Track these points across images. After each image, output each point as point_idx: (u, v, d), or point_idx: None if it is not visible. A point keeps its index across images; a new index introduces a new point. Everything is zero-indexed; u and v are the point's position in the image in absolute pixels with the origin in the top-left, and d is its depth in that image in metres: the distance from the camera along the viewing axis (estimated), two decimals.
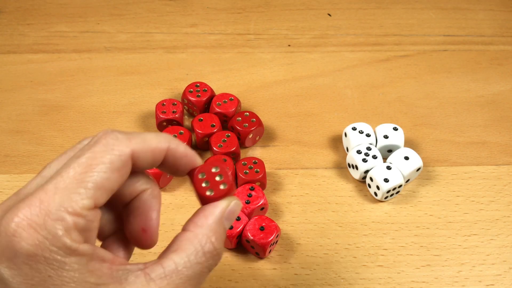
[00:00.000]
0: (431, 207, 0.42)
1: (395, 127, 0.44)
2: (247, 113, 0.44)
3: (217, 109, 0.45)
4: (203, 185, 0.27)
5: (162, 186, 0.42)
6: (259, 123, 0.44)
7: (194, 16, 0.57)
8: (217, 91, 0.48)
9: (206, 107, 0.47)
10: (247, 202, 0.39)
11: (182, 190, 0.42)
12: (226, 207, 0.27)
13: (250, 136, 0.44)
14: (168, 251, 0.26)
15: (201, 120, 0.44)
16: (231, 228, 0.37)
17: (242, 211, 0.39)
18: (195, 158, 0.28)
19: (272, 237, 0.37)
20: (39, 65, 0.51)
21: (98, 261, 0.24)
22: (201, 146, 0.44)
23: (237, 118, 0.44)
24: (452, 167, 0.44)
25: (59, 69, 0.51)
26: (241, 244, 0.39)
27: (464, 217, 0.41)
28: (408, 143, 0.46)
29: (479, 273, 0.38)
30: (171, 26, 0.55)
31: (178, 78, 0.50)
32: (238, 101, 0.46)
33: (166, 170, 0.28)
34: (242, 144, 0.44)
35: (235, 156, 0.43)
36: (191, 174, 0.27)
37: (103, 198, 0.24)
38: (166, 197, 0.42)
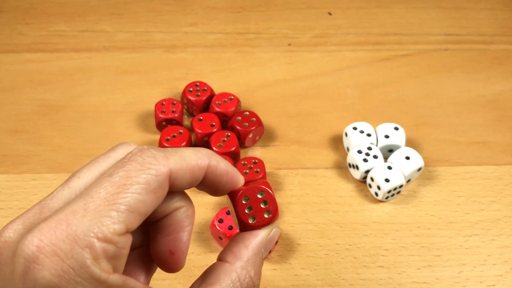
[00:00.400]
0: (432, 207, 0.42)
1: (396, 127, 0.44)
2: (247, 113, 0.44)
3: (216, 108, 0.45)
4: (246, 211, 0.25)
5: None
6: (259, 122, 0.44)
7: (194, 15, 0.56)
8: (217, 91, 0.48)
9: (206, 106, 0.46)
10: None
11: None
12: (266, 237, 0.25)
13: (250, 135, 0.44)
14: (205, 284, 0.24)
15: (201, 119, 0.44)
16: (231, 228, 0.37)
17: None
18: (237, 177, 0.25)
19: None
20: (38, 65, 0.51)
21: None
22: (200, 146, 0.44)
23: (237, 118, 0.44)
24: (453, 167, 0.44)
25: (58, 68, 0.51)
26: None
27: (465, 217, 0.41)
28: (409, 143, 0.45)
29: (480, 273, 0.38)
30: (170, 25, 0.55)
31: (177, 77, 0.50)
32: (238, 100, 0.46)
33: (204, 189, 0.26)
34: (242, 144, 0.44)
35: (235, 156, 0.43)
36: (233, 196, 0.25)
37: (136, 223, 0.22)
38: None
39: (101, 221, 0.21)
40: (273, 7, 0.58)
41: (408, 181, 0.43)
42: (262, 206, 0.25)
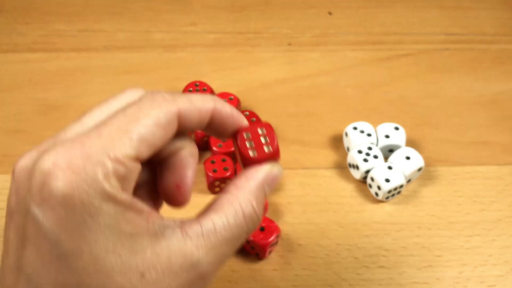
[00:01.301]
0: (432, 207, 0.42)
1: (396, 127, 0.44)
2: (247, 113, 0.44)
3: None
4: (247, 144, 0.26)
5: None
6: (259, 121, 0.44)
7: (194, 15, 0.56)
8: (216, 90, 0.48)
9: None
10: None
11: None
12: (269, 172, 0.26)
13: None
14: (207, 211, 0.25)
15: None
16: None
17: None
18: (242, 120, 0.27)
19: (272, 238, 0.37)
20: (37, 64, 0.51)
21: (136, 211, 0.23)
22: (200, 146, 0.44)
23: None
24: (454, 167, 0.44)
25: (57, 68, 0.51)
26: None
27: (466, 217, 0.41)
28: (410, 143, 0.45)
29: (481, 273, 0.38)
30: (170, 25, 0.55)
31: (177, 77, 0.50)
32: (238, 100, 0.45)
33: (212, 132, 0.27)
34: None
35: (235, 156, 0.43)
36: (235, 134, 0.26)
37: (146, 152, 0.24)
38: None
39: (114, 144, 0.22)
40: (273, 6, 0.58)
41: (409, 181, 0.43)
42: (262, 141, 0.26)
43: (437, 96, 0.49)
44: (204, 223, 0.24)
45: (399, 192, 0.42)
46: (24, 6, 0.57)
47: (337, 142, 0.46)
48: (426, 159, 0.44)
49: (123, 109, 0.24)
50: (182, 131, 0.26)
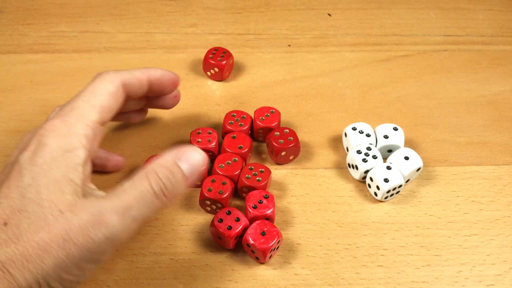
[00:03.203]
0: (431, 207, 0.42)
1: (395, 127, 0.44)
2: (287, 130, 0.43)
3: (260, 123, 0.44)
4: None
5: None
6: (296, 142, 0.43)
7: (194, 16, 0.57)
8: (217, 91, 0.48)
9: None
10: (254, 207, 0.38)
11: None
12: (180, 151, 0.33)
13: (283, 153, 0.43)
14: (126, 179, 0.33)
15: (234, 137, 0.43)
16: (230, 228, 0.37)
17: (246, 214, 0.38)
18: (173, 76, 0.40)
19: (273, 243, 0.37)
20: (39, 65, 0.51)
21: (87, 170, 0.34)
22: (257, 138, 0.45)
23: (275, 133, 0.43)
24: (452, 167, 0.44)
25: (59, 69, 0.51)
26: (240, 246, 0.39)
27: (464, 217, 0.41)
28: (408, 143, 0.46)
29: (479, 273, 0.38)
30: (171, 26, 0.55)
31: None
32: (279, 113, 0.45)
33: (156, 94, 0.40)
34: (274, 159, 0.44)
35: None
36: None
37: (106, 117, 0.35)
38: None
39: (84, 114, 0.34)
40: (273, 8, 0.58)
41: (407, 181, 0.43)
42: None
43: (436, 96, 0.50)
44: (118, 188, 0.32)
45: (398, 192, 0.42)
46: (25, 7, 0.57)
47: (337, 143, 0.46)
48: (424, 159, 0.44)
49: (84, 88, 0.35)
50: (131, 96, 0.38)
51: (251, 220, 0.38)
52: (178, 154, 0.33)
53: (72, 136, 0.33)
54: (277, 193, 0.42)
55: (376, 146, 0.44)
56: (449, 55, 0.53)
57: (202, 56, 0.50)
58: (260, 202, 0.39)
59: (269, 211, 0.38)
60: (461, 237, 0.40)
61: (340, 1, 0.59)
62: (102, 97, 0.35)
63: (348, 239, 0.40)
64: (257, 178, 0.40)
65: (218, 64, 0.48)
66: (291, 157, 0.44)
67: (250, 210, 0.38)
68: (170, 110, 0.46)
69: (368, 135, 0.43)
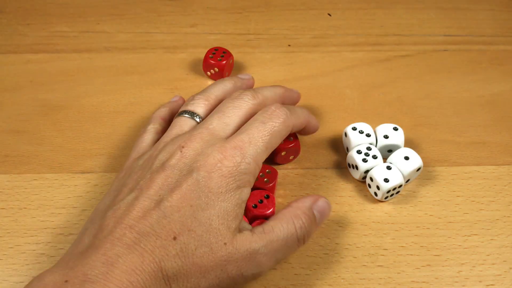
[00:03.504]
0: (431, 207, 0.42)
1: (395, 127, 0.44)
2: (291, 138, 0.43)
3: None
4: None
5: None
6: (296, 142, 0.43)
7: (194, 16, 0.57)
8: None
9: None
10: (254, 206, 0.38)
11: None
12: (316, 198, 0.37)
13: (283, 153, 0.43)
14: (270, 219, 0.35)
15: None
16: (255, 207, 0.38)
17: (246, 213, 0.38)
18: (317, 124, 0.43)
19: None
20: (39, 65, 0.51)
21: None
22: None
23: None
24: (452, 167, 0.44)
25: (59, 69, 0.51)
26: None
27: (464, 217, 0.41)
28: (408, 143, 0.46)
29: (479, 273, 0.38)
30: (171, 26, 0.55)
31: (178, 78, 0.50)
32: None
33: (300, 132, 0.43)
34: (273, 159, 0.43)
35: None
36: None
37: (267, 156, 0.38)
38: None
39: (258, 152, 0.36)
40: (273, 8, 0.58)
41: (407, 181, 0.43)
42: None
43: (436, 96, 0.50)
44: (266, 226, 0.35)
45: (398, 192, 0.42)
46: (25, 7, 0.57)
47: (337, 143, 0.46)
48: (424, 159, 0.44)
49: (262, 122, 0.37)
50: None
51: (251, 220, 0.38)
52: (313, 201, 0.37)
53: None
54: (277, 193, 0.42)
55: (376, 146, 0.44)
56: (449, 55, 0.53)
57: (202, 56, 0.50)
58: (261, 202, 0.39)
59: (268, 211, 0.38)
60: (461, 237, 0.40)
61: (340, 1, 0.59)
62: (277, 141, 0.38)
63: (348, 239, 0.40)
64: (265, 179, 0.40)
65: (218, 64, 0.48)
66: (291, 157, 0.44)
67: (250, 209, 0.38)
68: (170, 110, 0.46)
69: (368, 135, 0.43)
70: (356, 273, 0.38)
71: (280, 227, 0.34)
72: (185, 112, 0.40)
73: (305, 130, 0.42)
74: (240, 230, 0.34)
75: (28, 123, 0.47)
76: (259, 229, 0.34)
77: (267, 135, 0.36)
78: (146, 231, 0.31)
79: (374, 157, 0.42)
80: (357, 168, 0.42)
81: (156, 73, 0.51)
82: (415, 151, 0.43)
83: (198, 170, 0.34)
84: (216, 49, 0.49)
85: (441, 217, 0.41)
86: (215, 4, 0.58)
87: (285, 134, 0.38)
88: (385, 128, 0.44)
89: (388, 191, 0.41)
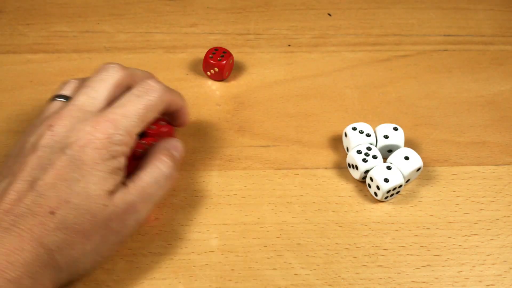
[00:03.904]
0: (431, 207, 0.42)
1: (395, 127, 0.44)
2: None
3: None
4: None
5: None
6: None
7: (194, 16, 0.57)
8: (216, 90, 0.48)
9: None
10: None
11: (181, 190, 0.42)
12: (167, 141, 0.39)
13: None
14: (137, 169, 0.37)
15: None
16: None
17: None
18: (187, 116, 0.43)
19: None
20: (39, 65, 0.51)
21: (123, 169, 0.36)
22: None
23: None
24: (452, 167, 0.44)
25: (59, 69, 0.51)
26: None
27: (464, 217, 0.41)
28: (408, 143, 0.46)
29: (479, 273, 0.38)
30: (171, 26, 0.55)
31: (178, 78, 0.50)
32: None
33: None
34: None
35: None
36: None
37: (141, 130, 0.38)
38: (166, 197, 0.41)
39: (133, 125, 0.36)
40: (273, 8, 0.58)
41: (407, 181, 0.43)
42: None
43: (436, 96, 0.50)
44: (134, 176, 0.37)
45: (398, 192, 0.42)
46: (25, 7, 0.57)
47: (337, 143, 0.46)
48: (424, 159, 0.44)
49: (137, 96, 0.38)
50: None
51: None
52: (166, 143, 0.39)
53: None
54: (277, 193, 0.42)
55: (376, 146, 0.44)
56: (449, 55, 0.53)
57: (202, 56, 0.50)
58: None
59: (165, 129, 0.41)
60: (461, 237, 0.40)
61: (340, 1, 0.59)
62: (153, 114, 0.38)
63: (348, 239, 0.40)
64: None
65: (218, 64, 0.49)
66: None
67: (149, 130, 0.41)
68: None
69: (368, 135, 0.43)
70: (356, 273, 0.38)
71: (147, 173, 0.37)
72: (55, 97, 0.40)
73: (177, 117, 0.42)
74: (115, 188, 0.35)
75: (28, 123, 0.47)
76: (130, 181, 0.36)
77: (142, 108, 0.37)
78: (22, 212, 0.32)
79: (374, 157, 0.42)
80: (357, 168, 0.42)
81: (156, 73, 0.51)
82: (415, 151, 0.43)
83: (71, 146, 0.34)
84: (216, 49, 0.49)
85: (441, 217, 0.41)
86: (215, 4, 0.58)
87: (161, 109, 0.39)
88: (385, 128, 0.44)
89: (388, 191, 0.41)
